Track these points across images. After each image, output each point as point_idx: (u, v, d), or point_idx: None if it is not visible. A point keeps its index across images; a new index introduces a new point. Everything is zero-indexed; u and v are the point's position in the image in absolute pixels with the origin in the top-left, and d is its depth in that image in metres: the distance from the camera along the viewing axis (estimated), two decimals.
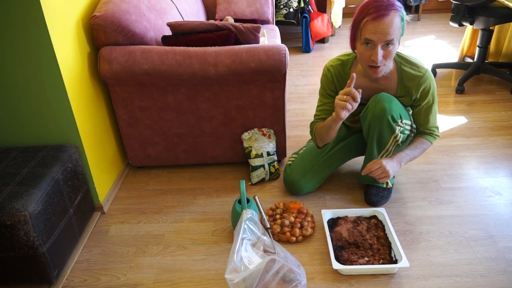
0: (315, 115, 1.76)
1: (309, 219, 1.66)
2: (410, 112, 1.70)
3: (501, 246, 1.52)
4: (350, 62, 1.64)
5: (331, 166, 1.84)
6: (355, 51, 1.55)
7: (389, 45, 1.42)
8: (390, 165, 1.56)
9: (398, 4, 1.43)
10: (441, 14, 4.76)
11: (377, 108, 1.56)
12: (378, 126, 1.59)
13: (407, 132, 1.66)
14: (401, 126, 1.60)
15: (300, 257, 1.52)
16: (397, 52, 1.57)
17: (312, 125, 1.76)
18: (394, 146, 1.65)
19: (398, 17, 1.41)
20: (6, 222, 1.27)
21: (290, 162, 1.87)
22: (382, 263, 1.44)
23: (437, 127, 1.67)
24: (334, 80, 1.67)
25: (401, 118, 1.59)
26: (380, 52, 1.43)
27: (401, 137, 1.63)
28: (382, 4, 1.40)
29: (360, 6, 1.46)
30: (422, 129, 1.67)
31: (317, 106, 1.78)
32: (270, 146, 1.93)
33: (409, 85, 1.57)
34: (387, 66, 1.50)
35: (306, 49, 3.76)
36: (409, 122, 1.65)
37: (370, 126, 1.62)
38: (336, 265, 1.41)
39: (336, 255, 1.48)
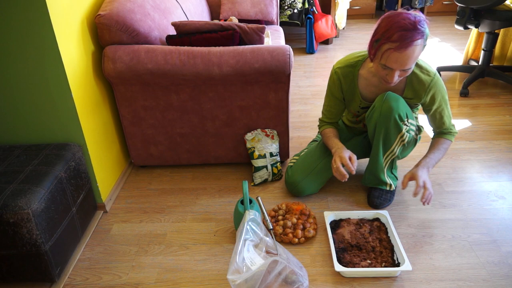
0: (322, 113, 1.84)
1: (312, 220, 1.66)
2: (415, 114, 1.70)
3: (504, 251, 1.51)
4: (360, 64, 1.63)
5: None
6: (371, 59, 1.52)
7: (407, 70, 1.42)
8: (428, 181, 1.55)
9: (422, 27, 1.34)
10: (445, 16, 4.75)
11: (384, 107, 1.56)
12: (385, 125, 1.58)
13: (412, 133, 1.66)
14: (407, 126, 1.60)
15: (302, 259, 1.52)
16: None
17: (320, 123, 1.85)
18: (399, 146, 1.64)
19: (421, 45, 1.36)
20: (9, 219, 1.27)
21: (291, 164, 1.87)
22: (385, 266, 1.44)
23: (453, 125, 1.69)
24: (341, 82, 1.68)
25: (407, 117, 1.59)
26: (396, 76, 1.43)
27: (407, 136, 1.62)
28: (407, 33, 1.32)
29: (384, 23, 1.37)
30: (440, 131, 1.68)
31: (324, 105, 1.81)
32: (273, 147, 1.93)
33: (418, 88, 1.57)
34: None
35: (310, 50, 3.75)
36: (414, 123, 1.65)
37: (377, 125, 1.61)
38: (338, 267, 1.41)
39: (338, 257, 1.47)
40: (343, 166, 1.61)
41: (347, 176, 1.60)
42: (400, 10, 1.38)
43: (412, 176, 1.57)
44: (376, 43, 1.41)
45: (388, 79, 1.44)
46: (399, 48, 1.33)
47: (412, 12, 1.37)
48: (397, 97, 1.56)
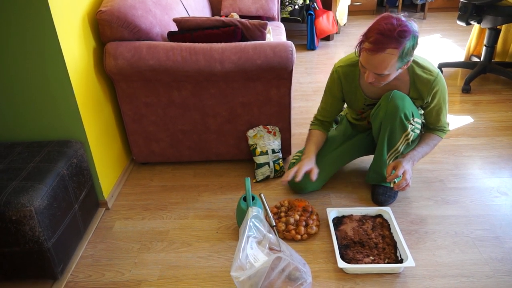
0: (318, 110, 1.84)
1: (314, 217, 1.66)
2: (421, 112, 1.70)
3: (507, 247, 1.51)
4: None
5: (335, 165, 1.83)
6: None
7: (382, 75, 1.42)
8: (409, 172, 1.57)
9: (401, 37, 1.32)
10: (447, 12, 4.73)
11: (390, 105, 1.55)
12: (390, 124, 1.58)
13: (418, 132, 1.66)
14: (412, 125, 1.60)
15: (305, 256, 1.52)
16: None
17: (313, 120, 1.85)
18: (404, 144, 1.64)
19: (394, 55, 1.35)
20: (11, 217, 1.27)
21: (294, 161, 1.86)
22: (388, 263, 1.44)
23: (448, 123, 1.69)
24: (341, 82, 1.68)
25: (413, 116, 1.58)
26: (371, 77, 1.45)
27: (412, 135, 1.62)
28: (382, 38, 1.33)
29: (373, 22, 1.39)
30: (433, 127, 1.67)
31: (321, 102, 1.81)
32: (275, 143, 1.92)
33: (421, 88, 1.56)
34: (387, 82, 1.50)
35: (311, 47, 3.74)
36: (419, 121, 1.65)
37: (382, 123, 1.61)
38: (341, 263, 1.40)
39: (341, 254, 1.47)
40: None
41: (287, 180, 1.65)
42: (395, 14, 1.38)
43: (395, 165, 1.60)
44: (360, 41, 1.44)
45: (365, 77, 1.46)
46: (371, 50, 1.36)
47: (404, 19, 1.36)
48: (403, 95, 1.56)
